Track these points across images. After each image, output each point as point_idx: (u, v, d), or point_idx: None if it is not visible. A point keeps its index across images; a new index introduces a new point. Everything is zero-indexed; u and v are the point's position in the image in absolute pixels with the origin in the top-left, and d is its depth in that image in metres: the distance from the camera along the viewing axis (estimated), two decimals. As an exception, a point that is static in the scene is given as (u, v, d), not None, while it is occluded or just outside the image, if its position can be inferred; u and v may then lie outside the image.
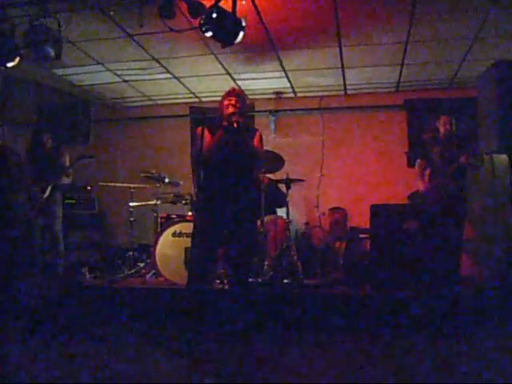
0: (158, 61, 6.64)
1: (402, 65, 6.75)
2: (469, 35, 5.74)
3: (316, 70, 7.02)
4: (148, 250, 6.33)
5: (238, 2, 4.47)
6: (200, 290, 3.90)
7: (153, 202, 6.46)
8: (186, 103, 8.45)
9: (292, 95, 8.20)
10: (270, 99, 8.22)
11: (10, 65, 5.08)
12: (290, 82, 7.54)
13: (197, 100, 8.42)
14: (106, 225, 8.10)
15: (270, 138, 7.45)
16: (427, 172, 5.26)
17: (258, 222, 5.48)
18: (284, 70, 7.03)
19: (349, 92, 7.98)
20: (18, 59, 5.08)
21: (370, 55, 6.41)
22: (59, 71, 6.99)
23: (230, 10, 4.44)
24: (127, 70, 6.99)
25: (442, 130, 5.30)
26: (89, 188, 7.52)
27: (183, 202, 6.31)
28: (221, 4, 4.41)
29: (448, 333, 4.12)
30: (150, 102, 8.60)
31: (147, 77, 7.28)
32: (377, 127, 7.82)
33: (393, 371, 3.38)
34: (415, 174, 5.50)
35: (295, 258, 5.58)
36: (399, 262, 5.01)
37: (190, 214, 6.02)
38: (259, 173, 5.48)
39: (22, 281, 5.36)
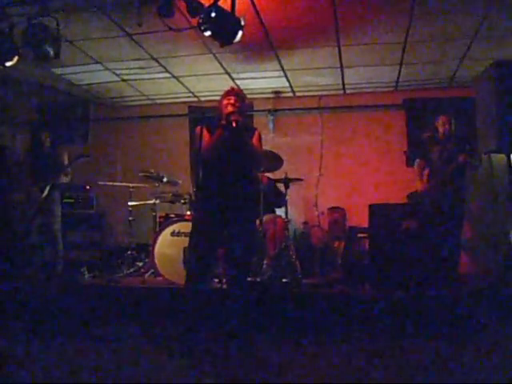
0: (156, 60, 6.64)
1: (401, 64, 6.75)
2: (467, 35, 5.75)
3: (315, 70, 7.02)
4: (147, 250, 6.32)
5: (236, 1, 4.47)
6: (198, 290, 3.89)
7: (151, 202, 6.46)
8: (185, 102, 8.44)
9: (291, 94, 8.19)
10: (268, 98, 8.21)
11: (8, 64, 5.07)
12: (288, 81, 7.54)
13: (196, 99, 8.42)
14: (104, 224, 8.08)
15: (268, 138, 7.45)
16: (426, 172, 5.27)
17: (257, 222, 5.48)
18: (283, 70, 7.03)
19: (348, 91, 7.98)
20: (16, 58, 5.07)
21: (369, 55, 6.41)
22: (58, 70, 6.98)
23: (228, 9, 4.44)
24: (126, 69, 6.99)
25: (440, 129, 5.30)
26: (87, 187, 7.51)
27: (182, 201, 6.31)
28: (220, 3, 4.40)
29: (448, 333, 4.12)
30: (149, 102, 8.59)
31: (146, 76, 7.28)
32: (376, 127, 7.82)
33: (392, 371, 3.38)
34: (414, 174, 5.50)
35: (294, 257, 5.58)
36: (398, 262, 5.01)
37: (188, 213, 6.02)
38: (258, 172, 5.49)
39: (20, 280, 5.36)
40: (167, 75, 7.24)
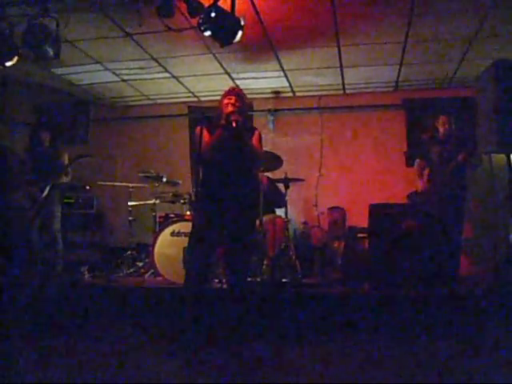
0: (156, 60, 6.64)
1: (401, 64, 6.75)
2: (467, 35, 5.75)
3: (315, 70, 7.02)
4: (146, 250, 6.33)
5: (236, 2, 4.47)
6: (198, 290, 3.89)
7: (151, 202, 6.46)
8: (185, 102, 8.45)
9: (291, 94, 8.20)
10: (268, 98, 8.21)
11: (8, 64, 5.08)
12: (288, 81, 7.54)
13: (195, 99, 8.42)
14: (104, 224, 8.09)
15: (268, 138, 7.45)
16: (426, 172, 5.27)
17: (257, 222, 5.48)
18: (283, 70, 7.03)
19: (347, 91, 7.98)
20: (16, 58, 5.08)
21: (369, 55, 6.41)
22: (58, 70, 6.98)
23: (228, 9, 4.44)
24: (126, 69, 6.99)
25: (441, 129, 5.31)
26: (87, 187, 7.50)
27: (182, 201, 6.31)
28: (219, 3, 4.41)
29: (448, 333, 4.12)
30: (149, 102, 8.59)
31: (146, 76, 7.28)
32: (375, 127, 7.82)
33: (392, 371, 3.38)
34: (414, 174, 5.50)
35: (294, 257, 5.59)
36: (398, 262, 5.01)
37: (188, 213, 6.02)
38: (258, 172, 5.49)
39: (21, 280, 5.36)
40: (167, 75, 7.24)
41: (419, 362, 3.53)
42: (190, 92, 8.09)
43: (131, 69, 6.97)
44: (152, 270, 5.85)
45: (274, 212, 6.43)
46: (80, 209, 7.58)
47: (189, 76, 7.31)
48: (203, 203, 4.01)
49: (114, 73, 7.16)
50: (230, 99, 4.01)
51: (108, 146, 8.41)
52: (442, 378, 3.23)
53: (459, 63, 6.66)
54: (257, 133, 4.14)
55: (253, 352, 3.80)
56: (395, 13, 5.26)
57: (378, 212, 5.30)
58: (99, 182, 6.99)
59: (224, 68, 6.93)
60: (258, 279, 5.33)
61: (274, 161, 6.01)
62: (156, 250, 5.62)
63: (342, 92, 8.00)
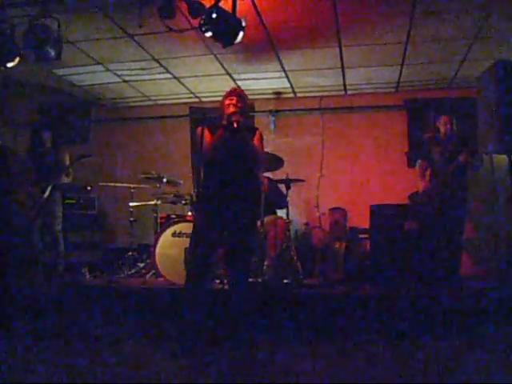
0: (157, 61, 6.64)
1: (403, 65, 6.75)
2: (469, 35, 5.75)
3: (316, 70, 7.02)
4: (148, 250, 6.33)
5: (237, 2, 4.47)
6: (199, 291, 3.89)
7: (153, 202, 6.45)
8: (186, 103, 8.45)
9: (292, 95, 8.20)
10: (269, 99, 8.21)
11: (9, 65, 5.08)
12: (289, 82, 7.54)
13: (197, 100, 8.42)
14: (105, 225, 8.10)
15: (269, 138, 7.44)
16: (428, 172, 5.25)
17: (258, 223, 5.48)
18: (284, 70, 7.03)
19: (349, 92, 7.98)
20: (17, 59, 5.08)
21: (370, 55, 6.42)
22: (59, 71, 6.99)
23: (229, 10, 4.44)
24: (127, 70, 7.00)
25: (442, 129, 5.29)
26: (89, 188, 7.50)
27: (183, 202, 6.31)
28: (221, 4, 4.41)
29: (448, 333, 4.12)
30: (150, 102, 8.60)
31: (147, 77, 7.29)
32: (377, 127, 7.82)
33: (392, 371, 3.38)
34: (416, 175, 5.50)
35: (295, 258, 5.58)
36: (399, 263, 5.01)
37: (189, 214, 6.02)
38: (259, 172, 5.48)
39: (21, 281, 5.36)
40: (168, 76, 7.25)
41: (419, 362, 3.53)
42: (191, 93, 8.10)
43: (132, 69, 6.97)
44: (153, 271, 5.85)
45: (275, 213, 6.43)
46: (81, 209, 7.58)
47: (190, 77, 7.32)
48: (204, 204, 4.01)
49: (115, 73, 7.17)
50: (232, 100, 4.01)
51: (109, 146, 8.42)
52: (442, 377, 3.23)
53: (461, 63, 6.67)
54: (258, 133, 4.14)
55: (253, 352, 3.80)
56: (396, 13, 5.26)
57: (379, 213, 5.31)
58: (100, 183, 6.99)
59: (225, 69, 6.93)
60: (259, 280, 5.32)
61: (275, 162, 6.01)
62: (157, 250, 5.62)
63: (343, 93, 8.00)
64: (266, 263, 5.55)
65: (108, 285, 5.49)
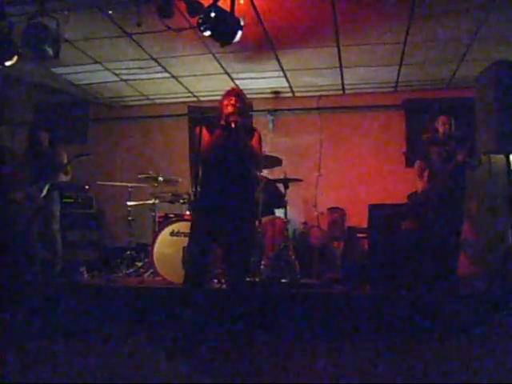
0: (156, 60, 6.64)
1: (401, 65, 6.75)
2: (467, 36, 5.75)
3: (314, 70, 7.02)
4: (146, 250, 6.32)
5: (236, 2, 4.47)
6: (197, 290, 3.89)
7: (151, 202, 6.45)
8: (185, 102, 8.44)
9: (290, 95, 8.20)
10: (268, 99, 8.21)
11: (8, 63, 5.07)
12: (288, 81, 7.54)
13: (195, 99, 8.41)
14: (103, 224, 8.09)
15: (267, 138, 7.43)
16: (426, 173, 5.26)
17: (256, 222, 5.48)
18: (282, 70, 7.03)
19: (347, 92, 7.98)
20: (16, 58, 5.07)
21: (369, 55, 6.42)
22: (57, 70, 6.99)
23: (228, 9, 4.44)
24: (125, 69, 6.99)
25: (440, 130, 5.30)
26: (87, 187, 7.51)
27: (181, 201, 6.30)
28: (219, 3, 4.41)
29: (447, 333, 4.12)
30: (148, 102, 8.59)
31: (145, 76, 7.28)
32: (375, 127, 7.82)
33: (392, 371, 3.38)
34: (414, 174, 5.50)
35: (293, 257, 5.58)
36: (397, 262, 5.01)
37: (187, 213, 6.02)
38: (257, 173, 5.48)
39: (19, 280, 5.36)
40: (166, 75, 7.24)
41: (418, 361, 3.54)
42: (190, 92, 8.09)
43: (131, 69, 6.97)
44: (151, 270, 5.84)
45: (273, 213, 6.43)
46: (79, 208, 7.57)
47: (188, 76, 7.32)
48: (202, 203, 4.01)
49: (113, 72, 7.16)
50: (230, 100, 4.01)
51: (107, 145, 8.40)
52: (442, 377, 3.23)
53: (459, 64, 6.67)
54: (257, 134, 4.14)
55: (252, 352, 3.80)
56: (395, 13, 5.27)
57: (377, 212, 5.31)
58: (98, 182, 6.99)
59: (223, 68, 6.93)
60: (257, 279, 5.32)
61: (273, 161, 6.02)
62: (155, 249, 5.61)
63: (341, 92, 8.00)
64: (263, 263, 5.55)
65: (106, 284, 5.49)
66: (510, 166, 4.76)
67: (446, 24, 5.46)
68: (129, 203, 6.55)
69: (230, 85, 6.96)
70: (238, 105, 3.99)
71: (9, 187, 6.02)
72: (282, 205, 5.96)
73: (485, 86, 4.47)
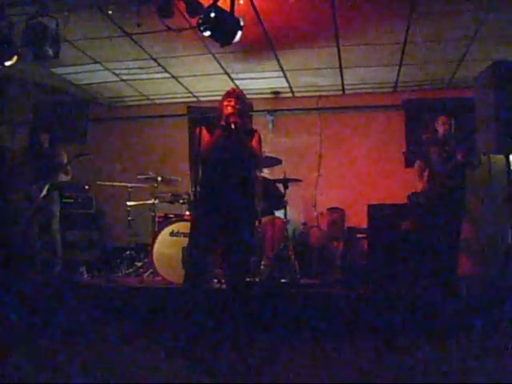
0: (156, 60, 6.64)
1: (401, 65, 6.76)
2: (467, 36, 5.75)
3: (314, 70, 7.02)
4: (145, 250, 6.31)
5: (236, 2, 4.47)
6: (197, 290, 3.89)
7: (150, 202, 6.44)
8: (184, 102, 8.44)
9: (290, 95, 8.20)
10: (267, 99, 8.21)
11: (7, 64, 5.07)
12: (287, 81, 7.54)
13: (195, 99, 8.42)
14: (103, 224, 8.09)
15: (267, 138, 7.43)
16: (426, 173, 5.25)
17: (256, 222, 5.48)
18: (282, 70, 7.03)
19: (347, 92, 7.98)
20: (15, 58, 5.06)
21: (369, 55, 6.42)
22: (57, 70, 6.99)
23: (228, 9, 4.44)
24: (125, 69, 6.99)
25: (440, 130, 5.30)
26: (86, 187, 7.51)
27: (181, 201, 6.30)
28: (219, 3, 4.40)
29: (447, 333, 4.12)
30: (148, 102, 8.59)
31: (145, 76, 7.29)
32: (375, 127, 7.82)
33: (392, 371, 3.38)
34: (413, 175, 5.50)
35: (292, 257, 5.58)
36: (397, 262, 5.01)
37: (187, 213, 6.02)
38: (257, 173, 5.48)
39: (19, 280, 5.35)
40: (166, 75, 7.24)
41: (418, 362, 3.53)
42: (189, 92, 8.09)
43: (130, 69, 6.97)
44: (151, 270, 5.84)
45: (273, 214, 6.43)
46: (79, 208, 7.57)
47: (188, 76, 7.32)
48: (202, 203, 4.01)
49: (113, 73, 7.16)
50: (230, 101, 4.01)
51: (107, 145, 8.40)
52: (442, 377, 3.24)
53: (459, 64, 6.67)
54: (257, 135, 4.15)
55: (252, 352, 3.80)
56: (395, 13, 5.27)
57: (377, 212, 5.31)
58: (98, 182, 6.99)
59: (223, 68, 6.93)
60: (257, 279, 5.32)
61: (273, 162, 6.02)
62: (155, 249, 5.61)
63: (341, 92, 8.01)
64: (263, 263, 5.56)
65: (106, 284, 5.49)
66: (509, 166, 4.76)
67: (445, 24, 5.46)
68: (128, 203, 6.55)
69: (229, 85, 6.97)
70: (237, 106, 4.00)
71: (9, 187, 6.02)
72: (282, 206, 5.96)
73: (485, 86, 4.47)
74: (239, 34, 4.51)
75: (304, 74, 7.17)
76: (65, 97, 8.15)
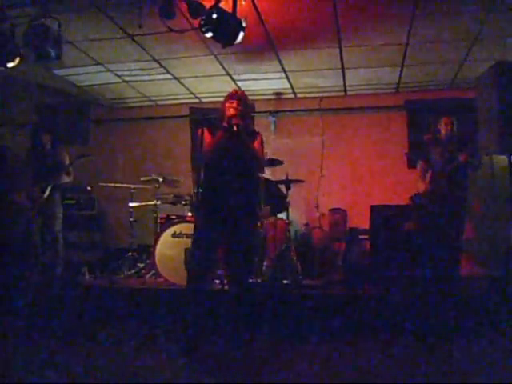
0: (158, 61, 6.64)
1: (403, 66, 6.75)
2: (469, 36, 5.75)
3: (316, 71, 7.02)
4: (148, 251, 6.32)
5: (238, 3, 4.47)
6: (200, 291, 3.89)
7: (153, 203, 6.45)
8: (186, 104, 8.44)
9: (292, 96, 8.20)
10: (269, 100, 8.21)
11: (10, 65, 5.08)
12: (290, 82, 7.54)
13: (197, 100, 8.42)
14: (105, 225, 8.10)
15: (269, 139, 7.43)
16: (429, 174, 5.25)
17: (258, 223, 5.48)
18: (284, 71, 7.03)
19: (349, 93, 7.98)
20: (18, 59, 5.08)
21: (371, 56, 6.41)
22: (59, 71, 6.99)
23: (230, 10, 4.44)
24: (127, 70, 7.00)
25: (443, 131, 5.29)
26: (89, 188, 7.52)
27: (183, 202, 6.31)
28: (221, 5, 4.41)
29: (448, 333, 4.12)
30: (150, 103, 8.60)
31: (147, 77, 7.29)
32: (377, 128, 7.82)
33: (392, 372, 3.38)
34: (415, 175, 5.49)
35: (295, 258, 5.58)
36: (399, 263, 5.00)
37: (189, 214, 6.02)
38: (259, 174, 5.48)
39: (21, 281, 5.36)
40: (168, 76, 7.25)
41: (419, 362, 3.53)
42: (191, 93, 8.10)
43: (132, 70, 6.97)
44: (153, 271, 5.85)
45: (275, 215, 6.42)
46: (81, 210, 7.59)
47: (190, 77, 7.32)
48: (204, 204, 4.01)
49: (115, 74, 7.16)
50: (232, 103, 4.01)
51: (109, 147, 8.41)
52: (443, 377, 3.23)
53: (461, 65, 6.67)
54: (259, 137, 4.15)
55: (253, 352, 3.80)
56: (397, 14, 5.26)
57: (378, 213, 5.31)
58: (100, 183, 6.99)
59: (225, 69, 6.93)
60: (259, 280, 5.32)
61: (276, 163, 6.03)
62: (157, 251, 5.62)
63: (343, 93, 8.01)
64: (265, 264, 5.56)
65: (107, 285, 5.49)
66: (511, 167, 4.75)
67: (447, 25, 5.46)
68: (131, 204, 6.56)
69: (231, 86, 6.98)
70: (240, 108, 4.00)
71: (10, 188, 6.03)
72: (285, 208, 5.96)
73: (486, 87, 4.47)
74: (241, 35, 4.52)
75: (306, 74, 7.17)
76: (67, 98, 8.16)
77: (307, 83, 7.54)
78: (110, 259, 6.89)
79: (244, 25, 4.51)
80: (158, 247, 5.62)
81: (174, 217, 6.19)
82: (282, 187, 6.03)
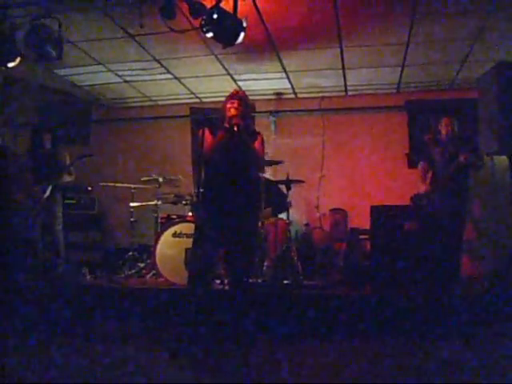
0: (158, 61, 6.65)
1: (403, 66, 6.75)
2: (470, 36, 5.74)
3: (317, 71, 7.02)
4: (148, 251, 6.32)
5: (238, 3, 4.47)
6: (200, 291, 3.89)
7: (153, 203, 6.46)
8: (187, 104, 8.44)
9: (293, 96, 8.19)
10: (270, 100, 8.21)
11: (10, 65, 5.08)
12: (290, 82, 7.54)
13: (197, 100, 8.42)
14: (106, 225, 8.10)
15: (270, 139, 7.44)
16: (429, 175, 5.24)
17: (259, 224, 5.48)
18: (285, 71, 7.03)
19: (349, 93, 7.98)
20: (18, 59, 5.08)
21: (371, 56, 6.41)
22: (60, 71, 7.00)
23: (230, 10, 4.44)
24: (128, 70, 7.00)
25: (443, 131, 5.29)
26: (89, 188, 7.52)
27: (183, 202, 6.31)
28: (222, 5, 4.41)
29: (448, 333, 4.11)
30: (151, 103, 8.60)
31: (148, 77, 7.29)
32: (377, 128, 7.81)
33: (393, 372, 3.38)
34: (417, 176, 5.49)
35: (295, 259, 5.57)
36: (399, 264, 5.00)
37: (190, 214, 6.02)
38: (260, 175, 5.47)
39: (22, 280, 5.36)
40: (169, 76, 7.25)
41: (420, 362, 3.53)
42: (192, 93, 8.10)
43: (133, 70, 6.98)
44: (154, 271, 5.85)
45: (275, 215, 6.42)
46: (81, 209, 7.59)
47: (191, 77, 7.32)
48: (205, 204, 4.01)
49: (116, 74, 7.17)
50: (233, 103, 4.00)
51: (110, 147, 8.41)
52: (442, 377, 3.23)
53: (462, 65, 6.66)
54: (260, 137, 4.15)
55: (254, 353, 3.80)
56: (397, 14, 5.26)
57: (379, 214, 5.30)
58: (101, 183, 7.00)
59: (226, 69, 6.93)
60: (260, 280, 5.32)
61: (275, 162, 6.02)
62: (158, 251, 5.62)
63: (344, 93, 8.00)
64: (266, 264, 5.56)
65: (108, 285, 5.49)
66: (512, 167, 4.75)
67: (448, 25, 5.46)
68: (131, 204, 6.56)
69: (232, 86, 6.98)
70: (240, 108, 3.99)
71: (12, 188, 6.03)
72: (285, 208, 5.96)
73: (488, 87, 4.46)
74: (242, 35, 4.52)
75: (307, 75, 7.17)
76: (68, 98, 8.17)
77: (308, 83, 7.53)
78: (111, 259, 6.90)
79: (245, 25, 4.51)
80: (159, 247, 5.63)
81: (174, 217, 6.19)
82: (283, 187, 6.03)
